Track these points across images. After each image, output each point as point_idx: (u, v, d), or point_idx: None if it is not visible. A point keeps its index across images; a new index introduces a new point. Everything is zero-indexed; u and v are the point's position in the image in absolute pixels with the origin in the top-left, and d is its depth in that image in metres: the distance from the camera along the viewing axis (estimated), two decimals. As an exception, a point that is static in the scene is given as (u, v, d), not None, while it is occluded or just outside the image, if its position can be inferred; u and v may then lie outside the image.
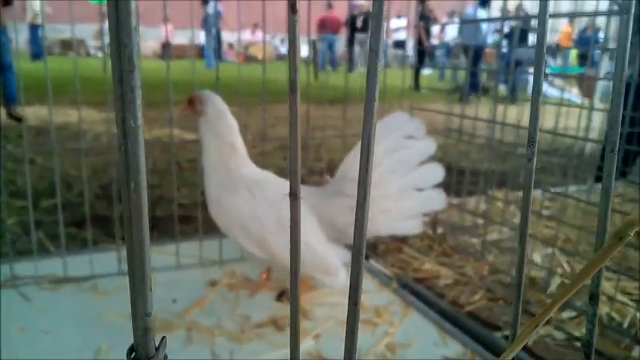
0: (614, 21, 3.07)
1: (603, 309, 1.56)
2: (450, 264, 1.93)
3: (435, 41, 11.80)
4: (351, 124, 2.04)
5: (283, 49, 14.35)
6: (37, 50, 9.90)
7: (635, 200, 2.57)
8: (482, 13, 7.34)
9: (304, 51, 8.10)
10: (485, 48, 7.71)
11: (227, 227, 1.50)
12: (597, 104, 3.05)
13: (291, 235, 0.37)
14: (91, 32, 12.88)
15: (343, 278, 1.47)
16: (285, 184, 1.51)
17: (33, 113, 4.71)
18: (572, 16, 3.54)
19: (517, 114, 2.41)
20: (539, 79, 0.40)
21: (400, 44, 11.45)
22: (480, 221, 2.20)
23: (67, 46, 13.01)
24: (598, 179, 2.74)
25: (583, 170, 2.82)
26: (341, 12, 12.21)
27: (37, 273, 1.64)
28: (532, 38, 6.62)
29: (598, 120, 3.08)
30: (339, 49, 13.12)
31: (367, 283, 1.72)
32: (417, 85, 8.15)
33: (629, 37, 0.40)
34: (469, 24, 5.85)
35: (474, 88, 4.88)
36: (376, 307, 1.58)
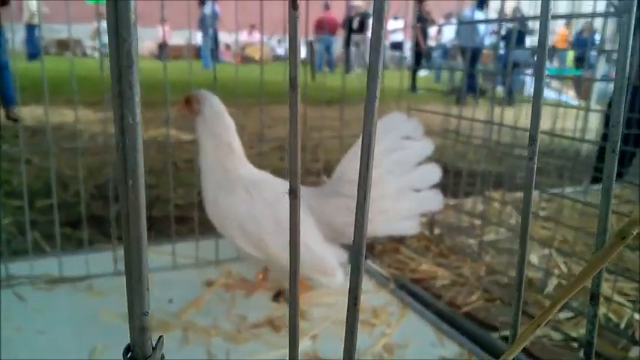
0: (611, 23, 3.09)
1: (600, 310, 1.56)
2: (447, 265, 1.93)
3: (432, 43, 11.83)
4: (348, 125, 2.04)
5: (280, 50, 14.35)
6: (34, 50, 9.88)
7: (632, 201, 2.57)
8: (479, 15, 7.36)
9: (302, 52, 8.09)
10: (482, 49, 7.73)
11: (224, 227, 1.50)
12: (594, 106, 3.06)
13: (291, 233, 0.36)
14: (87, 32, 12.84)
15: (340, 278, 1.47)
16: (282, 185, 1.52)
17: (29, 113, 4.70)
18: (570, 17, 3.55)
19: (514, 115, 2.41)
20: (540, 77, 0.40)
21: (397, 46, 11.48)
22: (477, 222, 2.20)
23: (63, 46, 12.99)
24: (594, 180, 2.75)
25: (579, 171, 2.82)
26: (338, 13, 12.20)
27: (33, 273, 1.63)
28: (529, 40, 6.65)
29: (595, 122, 3.09)
30: (336, 51, 13.12)
31: (365, 283, 1.71)
32: (414, 87, 8.16)
33: (631, 36, 0.39)
34: (466, 25, 5.86)
35: (471, 89, 4.89)
36: (373, 307, 1.57)
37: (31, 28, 10.54)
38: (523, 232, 0.41)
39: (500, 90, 4.25)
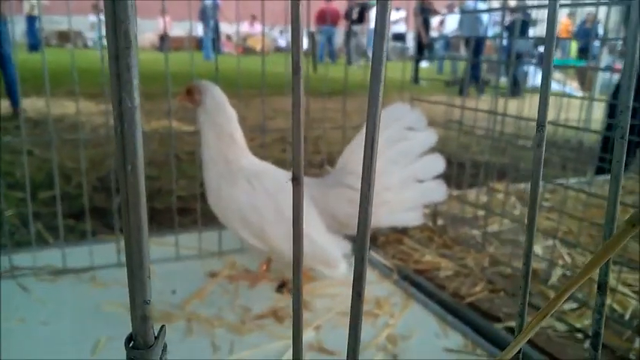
0: (614, 15, 3.06)
1: (604, 301, 1.56)
2: (451, 255, 1.92)
3: (434, 33, 11.76)
4: (350, 117, 2.02)
5: (282, 41, 14.29)
6: (35, 42, 9.86)
7: (637, 192, 2.56)
8: (482, 6, 7.31)
9: (303, 43, 8.07)
10: (485, 40, 7.69)
11: (226, 218, 1.49)
12: (597, 97, 3.04)
13: (294, 221, 0.35)
14: (88, 24, 12.81)
15: (343, 269, 1.46)
16: (284, 176, 1.51)
17: (30, 105, 4.69)
18: (574, 5, 3.52)
19: (517, 106, 2.40)
20: (549, 64, 0.39)
21: (400, 37, 11.41)
22: (481, 213, 2.19)
23: (64, 37, 12.97)
24: (598, 171, 2.74)
25: (583, 162, 2.81)
26: (340, 4, 12.13)
27: (36, 264, 1.64)
28: (532, 31, 6.60)
29: (598, 112, 3.07)
30: (337, 42, 13.06)
31: (368, 274, 1.71)
32: (416, 78, 8.12)
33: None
34: (469, 14, 5.82)
35: (474, 79, 4.86)
36: (377, 298, 1.57)
37: (31, 20, 10.52)
38: (530, 220, 0.40)
39: (503, 81, 4.23)
